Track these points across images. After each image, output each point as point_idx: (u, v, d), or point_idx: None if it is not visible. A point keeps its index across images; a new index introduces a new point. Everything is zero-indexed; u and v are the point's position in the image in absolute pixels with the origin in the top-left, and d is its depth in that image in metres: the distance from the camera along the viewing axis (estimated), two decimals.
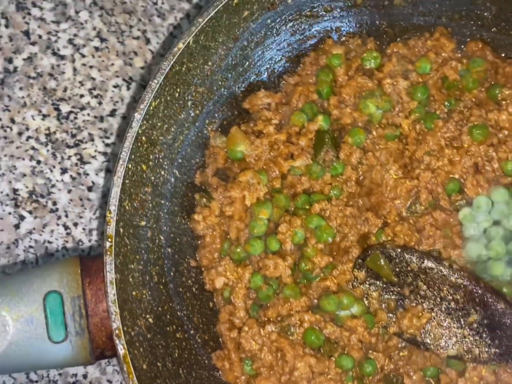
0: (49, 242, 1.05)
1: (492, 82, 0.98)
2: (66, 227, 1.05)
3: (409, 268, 0.91)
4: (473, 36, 1.01)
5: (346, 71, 0.99)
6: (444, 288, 0.90)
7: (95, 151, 1.08)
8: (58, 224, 1.05)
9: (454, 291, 0.90)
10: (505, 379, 0.90)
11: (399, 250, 0.91)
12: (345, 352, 0.90)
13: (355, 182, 0.95)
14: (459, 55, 1.00)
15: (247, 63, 0.99)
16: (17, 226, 1.04)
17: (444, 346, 0.90)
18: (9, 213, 1.04)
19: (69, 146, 1.08)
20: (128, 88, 1.11)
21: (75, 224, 1.06)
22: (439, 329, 0.91)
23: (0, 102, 1.07)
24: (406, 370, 0.92)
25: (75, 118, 1.09)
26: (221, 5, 0.90)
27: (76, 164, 1.08)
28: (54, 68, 1.10)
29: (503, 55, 1.00)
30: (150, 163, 0.89)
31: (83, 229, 1.06)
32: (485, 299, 0.89)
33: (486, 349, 0.89)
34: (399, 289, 0.92)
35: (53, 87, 1.09)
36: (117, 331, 0.79)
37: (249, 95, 1.00)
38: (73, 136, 1.08)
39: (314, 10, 1.00)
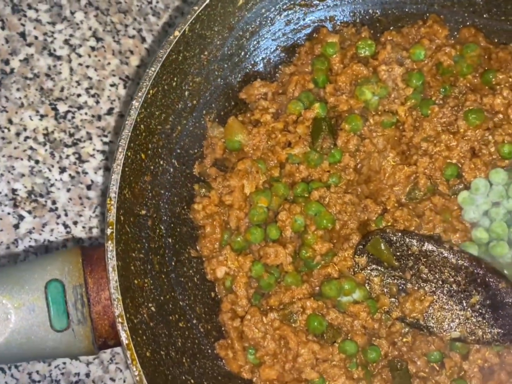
0: (49, 241, 1.04)
1: (486, 68, 0.99)
2: (66, 226, 1.05)
3: (410, 252, 0.91)
4: (465, 22, 1.02)
5: (341, 59, 1.00)
6: (445, 271, 0.90)
7: (93, 149, 1.09)
8: (57, 223, 1.05)
9: (456, 273, 0.90)
10: (509, 361, 0.90)
11: (399, 234, 0.91)
12: (348, 337, 0.90)
13: (353, 169, 0.96)
14: (453, 41, 1.01)
15: (242, 53, 1.00)
16: (16, 226, 1.04)
17: (447, 329, 0.90)
18: (8, 213, 1.04)
19: (67, 145, 1.08)
20: (125, 87, 1.12)
21: (75, 223, 1.06)
22: (441, 312, 0.90)
23: None
24: (410, 356, 0.91)
25: (73, 117, 1.09)
26: None
27: (75, 163, 1.08)
28: (50, 68, 1.10)
29: (495, 40, 1.01)
30: (149, 152, 0.89)
31: (83, 227, 1.06)
32: (487, 279, 0.89)
33: (489, 330, 0.89)
34: (400, 273, 0.92)
35: (50, 87, 1.09)
36: (119, 318, 0.79)
37: (246, 85, 1.01)
38: (71, 135, 1.09)
39: None
